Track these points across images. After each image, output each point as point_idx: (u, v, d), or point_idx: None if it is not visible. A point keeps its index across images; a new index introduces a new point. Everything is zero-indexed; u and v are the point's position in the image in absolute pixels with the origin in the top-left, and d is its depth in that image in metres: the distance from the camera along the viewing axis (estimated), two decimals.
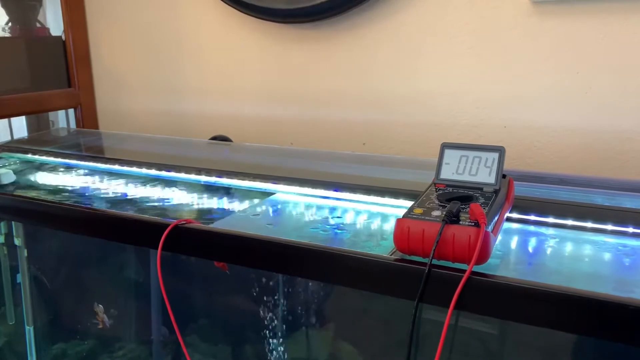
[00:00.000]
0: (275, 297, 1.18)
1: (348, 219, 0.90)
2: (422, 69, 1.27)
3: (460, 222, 0.64)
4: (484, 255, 0.63)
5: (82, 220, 0.87)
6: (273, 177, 1.02)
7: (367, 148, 1.37)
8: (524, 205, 0.85)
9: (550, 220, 0.82)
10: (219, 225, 0.83)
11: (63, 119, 1.82)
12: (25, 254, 1.36)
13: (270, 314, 1.18)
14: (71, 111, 1.75)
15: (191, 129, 1.59)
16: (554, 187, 0.98)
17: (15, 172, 1.24)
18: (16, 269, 1.38)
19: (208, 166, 1.09)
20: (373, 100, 1.34)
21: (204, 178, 1.08)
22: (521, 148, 1.23)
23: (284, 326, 1.18)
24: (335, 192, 0.96)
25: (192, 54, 1.55)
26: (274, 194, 1.01)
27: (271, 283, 1.18)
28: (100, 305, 1.26)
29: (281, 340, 1.19)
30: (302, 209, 0.95)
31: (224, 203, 1.04)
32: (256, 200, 0.99)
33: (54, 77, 1.65)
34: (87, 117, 1.69)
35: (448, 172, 0.79)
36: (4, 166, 1.26)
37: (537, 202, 0.87)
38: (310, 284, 1.17)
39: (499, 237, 0.73)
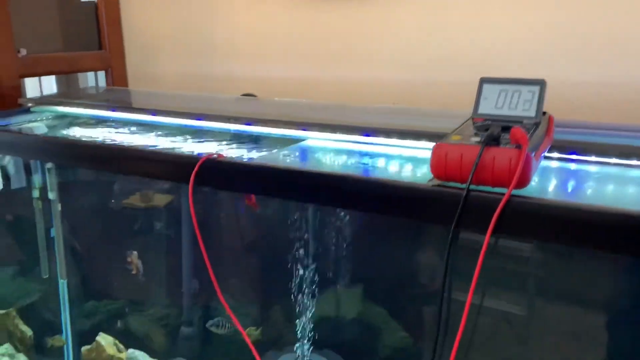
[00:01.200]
0: (305, 255, 1.17)
1: (381, 162, 0.89)
2: (452, 25, 1.24)
3: (501, 145, 0.62)
4: (525, 179, 0.60)
5: (115, 157, 0.87)
6: (304, 123, 1.00)
7: None
8: (564, 146, 0.82)
9: (592, 158, 0.79)
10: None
11: (92, 83, 1.83)
12: (59, 208, 1.38)
13: (300, 271, 1.18)
14: (101, 76, 1.76)
15: (221, 91, 1.58)
16: (595, 131, 0.95)
17: (48, 127, 1.25)
18: (50, 223, 1.41)
19: (237, 115, 1.08)
20: (403, 58, 1.32)
21: (233, 126, 1.07)
22: (559, 103, 1.19)
23: (315, 282, 1.17)
24: (367, 137, 0.94)
25: (222, 15, 1.54)
26: (304, 140, 0.99)
27: (301, 236, 1.18)
28: (135, 252, 1.27)
29: (311, 298, 1.19)
30: (335, 154, 0.94)
31: (254, 152, 1.03)
32: (287, 147, 0.98)
33: (85, 39, 1.66)
34: (118, 80, 1.70)
35: (487, 107, 0.76)
36: (36, 120, 1.27)
37: (577, 143, 0.84)
38: (342, 238, 1.16)
39: (539, 166, 0.70)
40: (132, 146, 0.89)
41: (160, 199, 1.47)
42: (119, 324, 1.42)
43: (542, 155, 0.71)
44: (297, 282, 1.17)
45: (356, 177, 0.69)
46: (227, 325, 1.15)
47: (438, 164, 0.64)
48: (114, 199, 1.43)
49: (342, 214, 1.13)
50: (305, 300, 1.18)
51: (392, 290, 1.21)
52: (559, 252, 0.86)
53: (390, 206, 0.67)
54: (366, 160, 0.90)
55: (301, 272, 1.17)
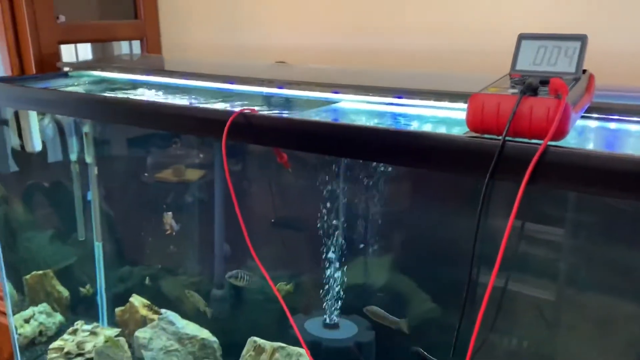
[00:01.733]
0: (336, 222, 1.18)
1: (415, 123, 0.88)
2: None
3: (540, 95, 0.61)
4: (562, 129, 0.59)
5: (150, 112, 0.88)
6: (336, 85, 1.00)
7: None
8: (604, 107, 0.79)
9: (633, 118, 0.77)
10: None
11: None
12: (96, 171, 1.41)
13: (329, 236, 1.18)
14: (135, 46, 1.78)
15: (254, 60, 1.59)
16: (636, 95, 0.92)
17: (85, 91, 1.27)
18: (87, 186, 1.44)
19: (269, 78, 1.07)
20: (439, 28, 1.29)
21: (264, 89, 1.07)
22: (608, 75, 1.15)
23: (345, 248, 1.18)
24: (401, 99, 0.94)
25: None
26: (337, 102, 0.99)
27: (331, 202, 1.18)
28: (170, 212, 1.30)
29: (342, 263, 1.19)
30: (368, 115, 0.93)
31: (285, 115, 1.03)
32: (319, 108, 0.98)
33: (121, 8, 1.68)
34: (152, 50, 1.71)
35: (524, 63, 0.75)
36: (73, 85, 1.30)
37: (618, 106, 0.81)
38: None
39: (577, 121, 0.69)
40: (167, 102, 0.91)
41: (192, 174, 1.49)
42: (148, 281, 1.45)
43: (582, 110, 0.70)
44: (325, 247, 1.18)
45: (391, 130, 0.69)
46: (245, 277, 1.17)
47: (474, 115, 0.63)
48: (149, 162, 1.46)
49: (373, 179, 1.13)
50: (334, 266, 1.19)
51: (421, 259, 1.20)
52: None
53: (425, 158, 0.66)
54: (400, 120, 0.89)
55: (330, 237, 1.17)
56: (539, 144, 0.59)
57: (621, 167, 0.55)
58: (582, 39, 0.73)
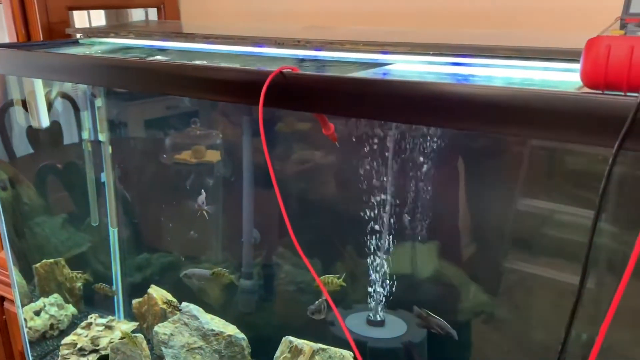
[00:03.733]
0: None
1: None
2: None
3: None
4: None
5: (176, 75, 0.75)
6: (388, 43, 0.85)
7: None
8: None
9: None
10: None
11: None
12: (110, 150, 1.28)
13: (372, 223, 1.05)
14: (151, 14, 1.65)
15: None
16: None
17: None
18: (100, 167, 1.31)
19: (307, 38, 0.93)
20: None
21: (300, 52, 0.93)
22: None
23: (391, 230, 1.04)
24: (467, 59, 0.79)
25: None
26: (391, 64, 0.84)
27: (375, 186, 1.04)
28: (203, 192, 1.17)
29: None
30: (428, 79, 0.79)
31: None
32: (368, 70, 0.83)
33: None
34: (170, 17, 1.58)
35: None
36: (84, 53, 1.16)
37: None
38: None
39: None
40: (192, 63, 0.77)
41: (214, 155, 1.36)
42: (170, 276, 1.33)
43: None
44: (368, 235, 1.04)
45: (476, 87, 0.54)
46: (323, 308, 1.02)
47: (595, 65, 0.48)
48: (168, 139, 1.32)
49: (424, 158, 0.99)
50: (376, 256, 1.05)
51: (473, 248, 1.06)
52: None
53: (528, 122, 0.51)
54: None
55: (373, 223, 1.04)
56: None
57: None
58: None
